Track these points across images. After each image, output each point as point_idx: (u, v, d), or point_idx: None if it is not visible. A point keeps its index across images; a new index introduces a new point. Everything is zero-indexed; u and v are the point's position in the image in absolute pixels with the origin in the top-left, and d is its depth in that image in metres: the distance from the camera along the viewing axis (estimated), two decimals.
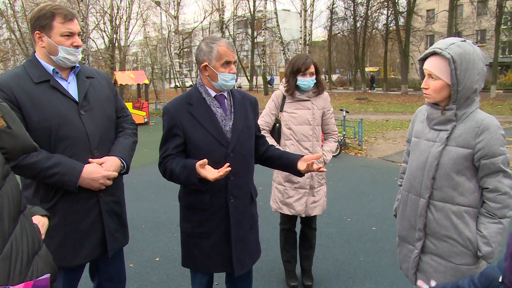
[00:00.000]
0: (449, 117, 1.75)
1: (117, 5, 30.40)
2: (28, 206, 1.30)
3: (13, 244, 1.12)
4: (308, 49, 26.50)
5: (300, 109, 2.90)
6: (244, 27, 45.00)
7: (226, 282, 2.28)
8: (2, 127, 1.18)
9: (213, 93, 2.00)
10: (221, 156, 1.94)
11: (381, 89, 35.93)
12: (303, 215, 2.97)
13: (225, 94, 2.04)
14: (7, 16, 28.81)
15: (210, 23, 36.67)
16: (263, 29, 30.30)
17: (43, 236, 1.33)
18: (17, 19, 28.64)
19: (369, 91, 34.46)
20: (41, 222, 1.36)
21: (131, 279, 3.26)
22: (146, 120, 15.45)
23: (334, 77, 47.49)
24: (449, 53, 1.66)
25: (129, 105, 14.62)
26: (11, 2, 28.23)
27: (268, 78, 35.59)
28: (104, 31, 31.88)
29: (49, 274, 1.11)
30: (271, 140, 2.89)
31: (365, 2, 33.14)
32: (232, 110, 2.03)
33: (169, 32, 33.96)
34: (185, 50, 39.30)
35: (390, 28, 33.08)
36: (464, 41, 1.72)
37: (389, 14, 32.43)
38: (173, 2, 28.26)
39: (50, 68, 1.84)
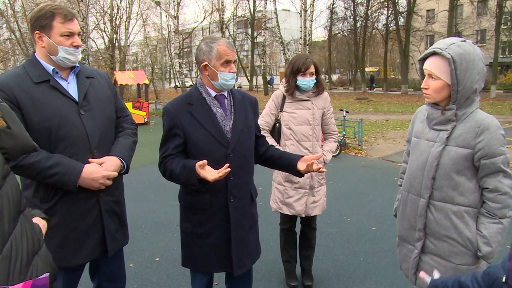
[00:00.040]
0: (449, 117, 1.75)
1: (117, 5, 30.46)
2: (28, 209, 1.29)
3: (13, 244, 1.12)
4: (308, 49, 26.50)
5: (300, 109, 2.90)
6: (244, 27, 45.00)
7: (226, 282, 2.28)
8: (2, 127, 1.17)
9: (213, 93, 1.99)
10: (221, 156, 1.94)
11: (381, 89, 35.93)
12: (303, 215, 2.97)
13: (225, 94, 2.04)
14: (7, 16, 28.81)
15: (210, 23, 36.68)
16: (263, 29, 30.29)
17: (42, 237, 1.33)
18: (17, 19, 28.63)
19: (369, 91, 34.46)
20: (41, 223, 1.36)
21: (131, 279, 3.26)
22: (146, 120, 15.45)
23: (334, 77, 47.49)
24: (449, 53, 1.66)
25: (129, 105, 14.62)
26: (11, 2, 28.25)
27: (268, 78, 35.58)
28: (104, 31, 31.92)
29: (48, 274, 1.11)
30: (271, 140, 2.89)
31: (365, 2, 33.15)
32: (232, 110, 2.03)
33: (169, 32, 33.95)
34: (185, 50, 39.32)
35: (390, 28, 33.08)
36: (464, 41, 1.72)
37: (389, 14, 32.44)
38: (173, 2, 28.30)
39: (50, 68, 1.84)
